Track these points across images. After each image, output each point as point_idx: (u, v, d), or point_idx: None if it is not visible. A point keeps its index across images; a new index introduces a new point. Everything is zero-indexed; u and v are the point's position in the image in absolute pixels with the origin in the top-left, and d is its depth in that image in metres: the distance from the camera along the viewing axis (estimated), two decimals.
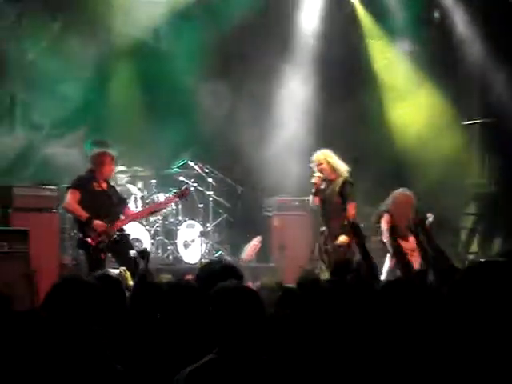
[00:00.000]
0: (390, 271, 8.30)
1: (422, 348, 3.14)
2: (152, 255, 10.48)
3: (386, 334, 3.20)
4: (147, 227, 10.63)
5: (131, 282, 5.40)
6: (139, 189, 10.92)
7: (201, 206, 11.17)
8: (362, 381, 3.13)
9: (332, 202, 8.56)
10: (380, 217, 8.77)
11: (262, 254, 11.41)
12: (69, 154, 11.19)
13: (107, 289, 4.12)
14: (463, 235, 12.35)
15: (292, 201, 11.32)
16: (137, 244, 9.80)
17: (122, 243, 8.00)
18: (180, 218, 11.08)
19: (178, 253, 10.80)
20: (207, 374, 3.03)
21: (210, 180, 11.16)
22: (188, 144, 11.46)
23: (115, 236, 7.97)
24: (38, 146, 11.16)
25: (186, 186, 10.14)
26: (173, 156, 11.57)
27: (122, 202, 8.51)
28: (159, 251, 10.79)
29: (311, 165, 8.74)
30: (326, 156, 8.64)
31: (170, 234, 10.90)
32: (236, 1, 11.77)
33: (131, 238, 8.75)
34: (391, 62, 12.46)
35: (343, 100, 11.98)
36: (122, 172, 10.60)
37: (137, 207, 10.44)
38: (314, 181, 8.62)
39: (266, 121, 12.20)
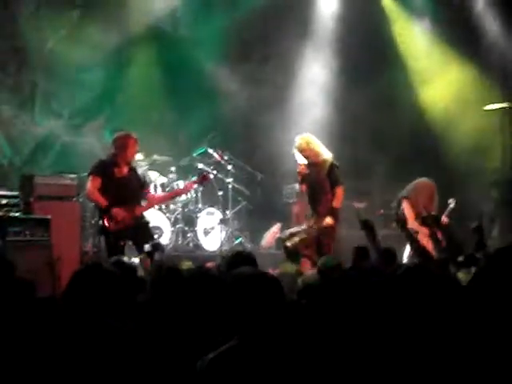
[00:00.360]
0: (411, 257, 8.30)
1: (441, 337, 3.13)
2: (172, 243, 10.59)
3: (405, 323, 3.19)
4: (167, 215, 10.68)
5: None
6: (159, 176, 10.94)
7: (220, 193, 11.19)
8: (383, 371, 3.13)
9: (319, 187, 8.43)
10: (400, 203, 8.76)
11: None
12: (88, 143, 11.25)
13: (122, 275, 4.14)
14: (485, 221, 12.26)
15: None
16: (157, 231, 9.85)
17: (142, 231, 7.97)
18: (200, 205, 11.11)
19: (198, 240, 10.83)
20: (229, 361, 3.03)
21: (229, 167, 11.16)
22: (207, 131, 11.45)
23: (135, 223, 7.92)
24: (58, 135, 11.21)
25: (206, 171, 10.15)
26: (192, 143, 11.58)
27: (144, 186, 8.35)
28: (179, 239, 10.82)
29: (294, 151, 8.59)
30: (308, 141, 8.49)
31: (189, 221, 10.93)
32: None
33: (151, 225, 8.73)
34: (413, 42, 12.34)
35: (365, 83, 11.92)
36: (141, 160, 10.62)
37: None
38: (298, 169, 8.52)
39: (287, 106, 12.19)
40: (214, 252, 10.53)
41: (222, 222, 10.84)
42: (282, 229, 11.33)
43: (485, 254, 5.72)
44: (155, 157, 10.96)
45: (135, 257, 7.60)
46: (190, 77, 11.49)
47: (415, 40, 12.35)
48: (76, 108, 11.37)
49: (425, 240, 8.51)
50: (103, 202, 7.83)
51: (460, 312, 3.33)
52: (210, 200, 11.32)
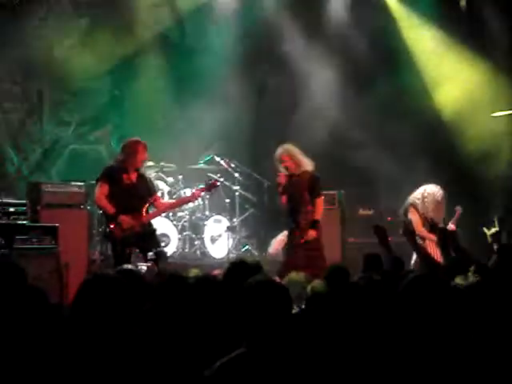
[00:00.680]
0: (416, 264, 8.23)
1: (446, 345, 3.11)
2: (179, 250, 10.58)
3: (411, 332, 3.16)
4: (174, 222, 10.67)
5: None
6: (166, 184, 10.94)
7: (227, 200, 11.19)
8: (389, 379, 3.10)
9: (299, 198, 8.34)
10: (407, 210, 8.70)
11: None
12: (96, 150, 11.26)
13: (129, 283, 4.12)
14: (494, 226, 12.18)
15: None
16: (164, 239, 9.84)
17: (148, 238, 7.94)
18: (207, 213, 11.10)
19: (205, 248, 10.82)
20: (237, 369, 3.02)
21: (236, 175, 11.16)
22: (214, 139, 11.45)
23: (142, 231, 7.89)
24: (66, 143, 11.23)
25: (214, 179, 10.12)
26: (199, 151, 11.57)
27: (151, 193, 8.26)
28: (186, 246, 10.81)
29: (275, 162, 8.50)
30: (289, 152, 8.42)
31: (197, 228, 10.92)
32: None
33: (159, 233, 8.71)
34: (422, 45, 12.28)
35: (373, 88, 11.88)
36: (149, 167, 10.61)
37: None
38: (278, 180, 8.44)
39: (295, 112, 12.16)
40: (221, 259, 10.52)
41: (229, 229, 10.83)
42: None
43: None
44: (162, 164, 10.96)
45: (142, 264, 7.58)
46: (198, 85, 11.49)
47: (424, 43, 12.27)
48: (84, 116, 11.39)
49: (432, 248, 8.46)
50: (110, 208, 7.80)
51: (466, 322, 3.31)
52: (217, 207, 11.31)
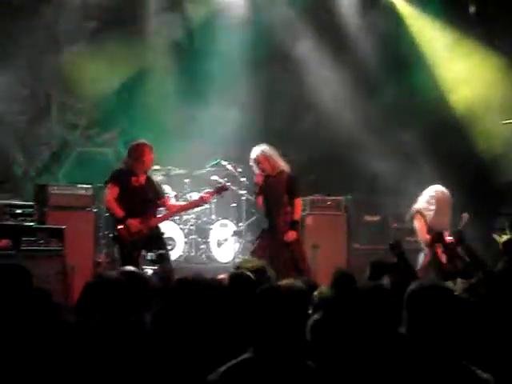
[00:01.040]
0: (423, 268, 8.15)
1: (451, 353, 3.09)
2: (185, 254, 10.57)
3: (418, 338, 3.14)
4: (181, 226, 10.66)
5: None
6: (173, 188, 10.92)
7: (234, 205, 11.17)
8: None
9: (277, 199, 8.27)
10: (413, 217, 8.61)
11: None
12: (103, 153, 11.26)
13: (133, 285, 4.11)
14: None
15: (325, 200, 11.24)
16: (170, 243, 9.82)
17: (156, 241, 7.93)
18: (213, 217, 11.09)
19: (211, 252, 10.81)
20: (244, 374, 3.00)
21: (243, 179, 11.13)
22: (222, 144, 11.41)
23: (150, 234, 7.87)
24: (73, 145, 11.25)
25: (223, 182, 10.10)
26: (206, 156, 11.55)
27: (160, 196, 8.23)
28: (192, 250, 10.80)
29: (250, 163, 8.44)
30: (265, 153, 8.34)
31: (203, 233, 10.91)
32: None
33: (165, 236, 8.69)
34: (433, 45, 12.21)
35: (382, 91, 11.85)
36: (155, 171, 10.60)
37: None
38: (256, 180, 8.36)
39: (304, 116, 12.14)
40: (227, 264, 10.50)
41: (236, 233, 10.82)
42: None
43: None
44: (169, 168, 10.95)
45: (148, 267, 7.58)
46: (206, 89, 11.48)
47: (435, 44, 12.20)
48: (91, 119, 11.39)
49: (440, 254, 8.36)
50: (119, 212, 7.77)
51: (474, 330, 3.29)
52: (223, 212, 11.30)
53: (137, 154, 8.00)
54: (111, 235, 8.32)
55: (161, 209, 8.39)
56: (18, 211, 8.28)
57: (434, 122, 11.92)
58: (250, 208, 11.35)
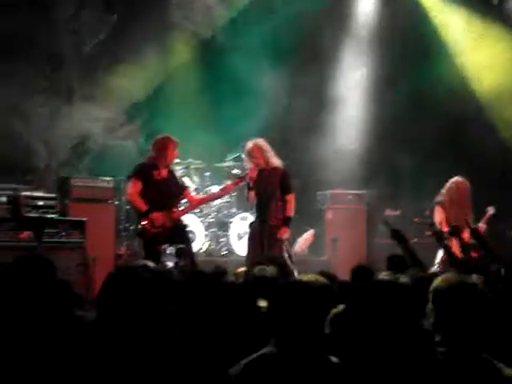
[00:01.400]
0: (442, 263, 8.09)
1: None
2: (205, 247, 10.60)
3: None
4: (201, 219, 10.69)
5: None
6: (193, 181, 10.95)
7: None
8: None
9: (270, 194, 8.17)
10: (434, 210, 8.55)
11: (315, 247, 11.36)
12: (124, 146, 11.30)
13: (153, 279, 4.13)
14: None
15: (346, 194, 11.24)
16: (191, 235, 9.84)
17: (179, 234, 7.92)
18: (233, 210, 11.10)
19: (231, 245, 10.83)
20: (264, 367, 3.00)
21: None
22: (243, 137, 11.42)
23: (173, 227, 7.87)
24: (95, 138, 11.29)
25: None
26: (227, 149, 11.57)
27: (182, 189, 8.20)
28: (212, 243, 10.82)
29: (243, 157, 8.35)
30: (259, 147, 8.26)
31: (223, 226, 10.93)
32: None
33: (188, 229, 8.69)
34: (454, 34, 12.12)
35: (403, 82, 11.80)
36: (176, 164, 10.61)
37: None
38: (250, 174, 8.22)
39: (324, 111, 12.12)
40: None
41: None
42: (315, 235, 11.31)
43: None
44: (190, 161, 10.98)
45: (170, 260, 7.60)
46: (227, 83, 11.48)
47: (458, 32, 12.11)
48: (113, 112, 11.42)
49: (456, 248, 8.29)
50: (143, 206, 7.74)
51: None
52: (243, 205, 11.29)
53: (161, 147, 7.99)
54: (134, 229, 8.35)
55: (182, 202, 8.41)
56: (40, 203, 8.34)
57: (458, 113, 11.84)
58: None
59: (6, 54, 10.51)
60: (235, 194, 10.88)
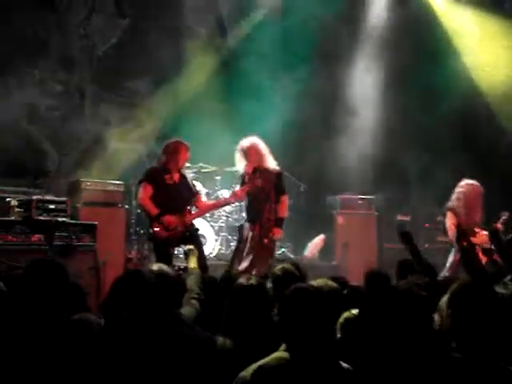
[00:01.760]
0: (453, 266, 8.03)
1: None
2: (215, 251, 10.61)
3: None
4: (211, 223, 10.70)
5: (193, 265, 5.40)
6: (204, 185, 10.95)
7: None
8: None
9: (263, 195, 8.10)
10: (445, 215, 8.46)
11: (325, 252, 11.36)
12: (135, 150, 11.32)
13: (163, 285, 4.14)
14: None
15: (356, 199, 11.23)
16: (202, 240, 9.87)
17: (191, 238, 7.90)
18: (244, 214, 11.09)
19: None
20: (274, 371, 3.01)
21: None
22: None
23: (185, 231, 7.87)
24: (106, 142, 11.31)
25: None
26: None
27: (194, 193, 8.18)
28: (223, 247, 10.84)
29: (238, 154, 8.23)
30: (255, 145, 8.20)
31: (233, 230, 10.93)
32: None
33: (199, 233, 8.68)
34: (464, 32, 12.10)
35: (415, 83, 11.79)
36: (186, 168, 10.61)
37: None
38: (245, 170, 8.17)
39: (335, 114, 12.12)
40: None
41: None
42: (326, 240, 11.31)
43: None
44: (201, 165, 10.99)
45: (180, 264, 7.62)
46: (239, 87, 11.50)
47: (467, 28, 12.09)
48: (124, 115, 11.45)
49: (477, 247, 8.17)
50: (154, 210, 7.74)
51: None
52: None
53: (172, 151, 7.98)
54: (145, 233, 8.36)
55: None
56: (51, 206, 8.35)
57: (470, 115, 11.80)
58: None
59: (18, 58, 10.56)
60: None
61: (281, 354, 3.10)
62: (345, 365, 3.12)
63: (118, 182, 9.32)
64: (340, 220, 11.17)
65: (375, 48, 12.27)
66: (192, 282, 4.71)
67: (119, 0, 11.39)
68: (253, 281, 3.98)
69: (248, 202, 8.26)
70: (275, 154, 11.46)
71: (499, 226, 8.39)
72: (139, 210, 9.53)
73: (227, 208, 10.89)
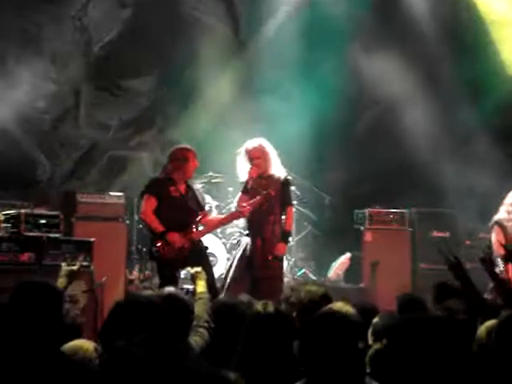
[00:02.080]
0: (493, 290, 7.97)
1: None
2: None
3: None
4: (223, 240, 10.70)
5: (201, 289, 5.41)
6: (214, 198, 10.96)
7: (283, 217, 11.14)
8: None
9: (269, 207, 8.04)
10: (491, 229, 8.40)
11: (352, 272, 11.34)
12: (138, 157, 11.36)
13: (173, 310, 4.14)
14: None
15: (387, 213, 11.20)
16: (212, 259, 9.88)
17: (199, 257, 7.87)
18: None
19: None
20: None
21: (293, 188, 11.13)
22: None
23: (191, 249, 7.86)
24: (105, 148, 11.35)
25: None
26: None
27: (200, 208, 8.14)
28: None
29: (245, 156, 8.13)
30: (265, 149, 8.13)
31: None
32: None
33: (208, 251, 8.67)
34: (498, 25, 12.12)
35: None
36: (195, 178, 10.63)
37: None
38: (251, 174, 8.06)
39: (360, 120, 12.13)
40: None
41: None
42: (352, 259, 11.29)
43: None
44: (210, 175, 11.00)
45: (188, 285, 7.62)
46: (254, 88, 11.53)
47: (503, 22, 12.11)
48: (125, 119, 11.50)
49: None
50: (158, 226, 7.74)
51: None
52: None
53: (178, 160, 7.96)
54: (147, 251, 8.36)
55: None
56: (42, 221, 8.38)
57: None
58: (301, 221, 11.35)
59: (5, 53, 10.63)
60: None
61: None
62: None
63: (117, 194, 9.34)
64: (368, 237, 11.13)
65: (410, 42, 12.29)
66: (200, 308, 4.71)
67: None
68: (270, 308, 3.97)
69: (250, 213, 8.11)
70: (295, 163, 11.55)
71: None
72: (141, 226, 9.54)
73: (240, 223, 10.88)
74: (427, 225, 11.19)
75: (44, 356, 3.54)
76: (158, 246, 7.68)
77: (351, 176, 12.00)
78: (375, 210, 11.26)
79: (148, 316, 3.59)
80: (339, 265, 11.34)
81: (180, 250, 7.70)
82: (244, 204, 8.14)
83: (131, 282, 9.51)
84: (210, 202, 10.85)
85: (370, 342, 4.41)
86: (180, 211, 7.82)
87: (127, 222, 9.49)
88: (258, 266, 8.01)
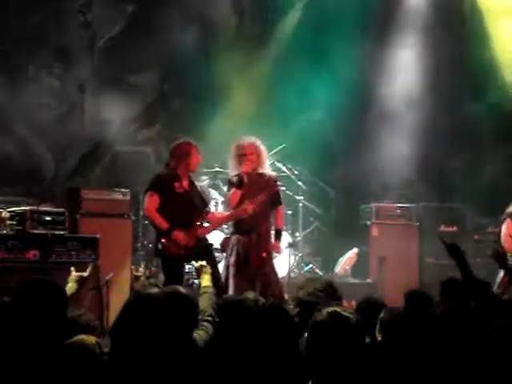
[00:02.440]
0: (504, 283, 8.00)
1: None
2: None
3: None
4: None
5: (206, 283, 5.43)
6: (220, 193, 10.96)
7: (289, 212, 11.17)
8: None
9: (262, 204, 8.04)
10: (502, 222, 8.42)
11: (359, 268, 11.34)
12: (142, 153, 11.36)
13: (177, 307, 4.16)
14: None
15: (394, 207, 11.20)
16: (218, 255, 9.89)
17: (204, 254, 7.86)
18: None
19: None
20: None
21: (299, 183, 11.14)
22: (279, 144, 11.41)
23: (196, 245, 7.87)
24: (109, 144, 11.35)
25: None
26: None
27: (205, 204, 8.19)
28: None
29: (238, 152, 8.10)
30: (258, 147, 8.13)
31: None
32: None
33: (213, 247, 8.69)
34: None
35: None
36: (201, 173, 10.63)
37: None
38: (245, 169, 8.04)
39: (367, 114, 12.12)
40: (281, 279, 10.51)
41: (291, 245, 10.76)
42: (359, 254, 11.29)
43: None
44: (216, 170, 11.00)
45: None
46: (254, 84, 11.52)
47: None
48: (129, 114, 11.49)
49: None
50: (163, 222, 7.76)
51: None
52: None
53: (181, 154, 7.96)
54: (152, 247, 8.38)
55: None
56: (47, 218, 8.38)
57: None
58: (307, 216, 11.36)
59: (8, 50, 10.64)
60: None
61: None
62: None
63: (123, 190, 9.35)
64: (375, 231, 11.14)
65: (420, 34, 12.29)
66: (205, 302, 4.73)
67: None
68: (273, 304, 3.98)
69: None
70: (301, 157, 11.54)
71: None
72: (147, 222, 9.56)
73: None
74: (435, 219, 11.19)
75: (47, 352, 3.56)
76: (163, 243, 7.71)
77: (359, 171, 11.98)
78: (382, 204, 11.27)
79: (156, 314, 3.60)
80: (346, 260, 11.34)
81: (185, 247, 7.72)
82: (246, 201, 8.10)
83: (137, 278, 9.50)
84: (216, 197, 10.87)
85: (379, 337, 4.42)
86: (185, 208, 7.82)
87: (133, 218, 9.49)
88: (254, 263, 8.03)
